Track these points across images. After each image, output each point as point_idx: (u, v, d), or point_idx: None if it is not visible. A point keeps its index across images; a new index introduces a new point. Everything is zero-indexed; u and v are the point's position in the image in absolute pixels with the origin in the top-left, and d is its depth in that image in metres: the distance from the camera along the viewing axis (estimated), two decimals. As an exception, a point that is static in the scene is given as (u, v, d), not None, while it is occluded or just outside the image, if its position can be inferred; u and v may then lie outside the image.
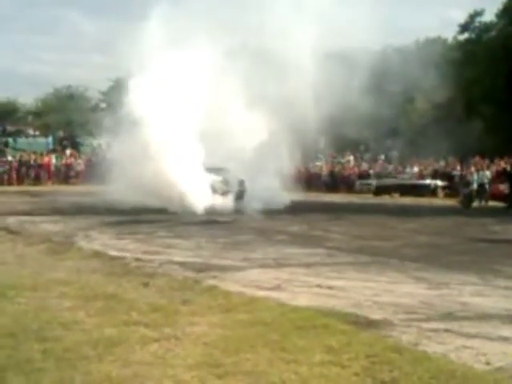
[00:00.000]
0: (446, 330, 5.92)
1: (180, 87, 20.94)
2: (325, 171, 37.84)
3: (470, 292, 7.83)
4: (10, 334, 5.56)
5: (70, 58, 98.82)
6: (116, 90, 30.61)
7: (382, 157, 41.48)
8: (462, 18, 35.96)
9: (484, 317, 6.51)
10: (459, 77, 32.60)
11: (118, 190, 22.21)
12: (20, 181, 36.00)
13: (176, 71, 21.20)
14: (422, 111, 44.12)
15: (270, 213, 18.72)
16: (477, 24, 35.36)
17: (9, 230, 14.22)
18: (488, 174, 27.81)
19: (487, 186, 26.27)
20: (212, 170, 20.13)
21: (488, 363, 5.00)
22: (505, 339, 5.66)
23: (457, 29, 37.65)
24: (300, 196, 23.25)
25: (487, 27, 35.14)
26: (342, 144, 40.45)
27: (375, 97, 23.40)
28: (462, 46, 35.31)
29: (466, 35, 36.04)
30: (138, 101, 20.42)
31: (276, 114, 22.06)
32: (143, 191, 20.21)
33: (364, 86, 22.82)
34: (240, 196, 19.84)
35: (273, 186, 21.35)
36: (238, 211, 18.88)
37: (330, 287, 7.99)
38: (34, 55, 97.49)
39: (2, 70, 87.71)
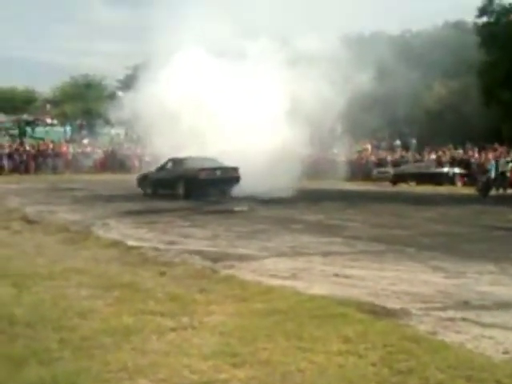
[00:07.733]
0: (464, 319, 5.87)
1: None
2: (342, 159, 37.63)
3: (487, 281, 7.76)
4: (28, 323, 5.60)
5: (85, 47, 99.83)
6: (133, 78, 30.72)
7: (398, 142, 41.11)
8: (480, 0, 35.24)
9: (501, 306, 6.45)
10: (477, 61, 32.20)
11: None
12: (37, 170, 36.21)
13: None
14: (439, 97, 43.68)
15: (286, 201, 18.68)
16: (495, 7, 34.75)
17: (27, 220, 14.31)
18: (509, 160, 27.46)
19: (508, 174, 25.91)
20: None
21: (506, 352, 4.95)
22: (523, 328, 5.61)
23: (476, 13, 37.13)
24: (317, 184, 23.16)
25: (506, 10, 34.54)
26: (359, 131, 40.24)
27: (393, 83, 23.21)
28: (481, 29, 34.78)
29: (484, 18, 35.46)
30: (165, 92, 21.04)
31: (292, 102, 22.02)
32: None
33: (382, 71, 22.65)
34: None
35: (290, 173, 21.29)
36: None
37: (346, 276, 7.95)
38: (53, 44, 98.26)
39: (20, 59, 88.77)
